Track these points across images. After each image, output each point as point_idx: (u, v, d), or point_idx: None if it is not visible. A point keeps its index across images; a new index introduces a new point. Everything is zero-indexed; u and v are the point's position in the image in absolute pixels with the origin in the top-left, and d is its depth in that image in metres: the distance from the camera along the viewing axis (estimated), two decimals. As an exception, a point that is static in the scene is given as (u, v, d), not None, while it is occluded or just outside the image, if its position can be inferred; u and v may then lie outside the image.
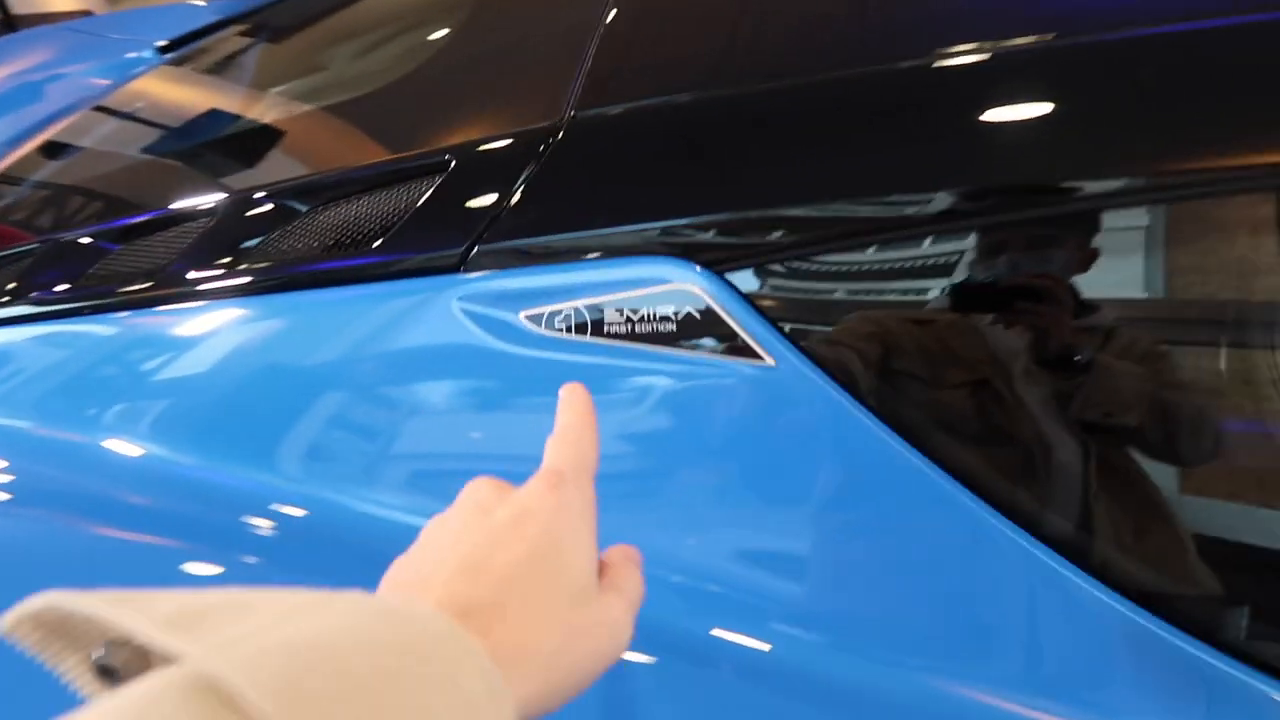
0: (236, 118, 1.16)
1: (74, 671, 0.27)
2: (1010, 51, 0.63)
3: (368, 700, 0.25)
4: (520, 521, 0.38)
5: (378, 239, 0.75)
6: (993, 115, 0.60)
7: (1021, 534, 0.59)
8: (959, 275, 0.60)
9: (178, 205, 0.91)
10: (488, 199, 0.71)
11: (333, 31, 1.42)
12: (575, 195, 0.70)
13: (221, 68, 1.45)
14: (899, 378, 0.62)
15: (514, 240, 0.68)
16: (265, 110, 1.14)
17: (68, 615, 0.27)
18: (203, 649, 0.24)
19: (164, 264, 0.83)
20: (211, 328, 0.80)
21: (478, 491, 0.42)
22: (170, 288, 0.82)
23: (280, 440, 0.76)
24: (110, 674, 0.27)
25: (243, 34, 1.58)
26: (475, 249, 0.69)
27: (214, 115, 1.21)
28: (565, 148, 0.72)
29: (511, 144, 0.75)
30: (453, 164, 0.76)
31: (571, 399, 0.49)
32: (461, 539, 0.38)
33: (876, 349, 0.62)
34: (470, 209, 0.72)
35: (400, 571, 0.39)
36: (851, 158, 0.63)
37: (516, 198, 0.70)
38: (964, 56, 0.64)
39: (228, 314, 0.80)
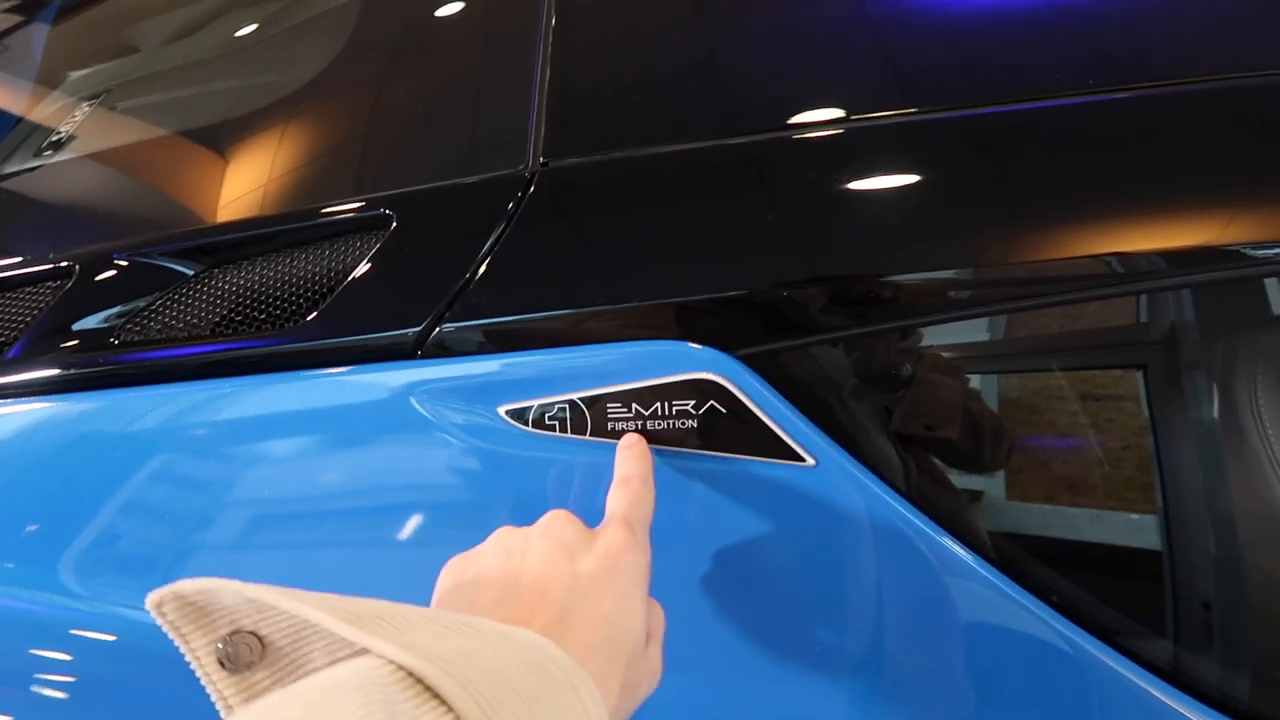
0: (65, 134, 0.94)
1: (199, 653, 0.31)
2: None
3: (529, 710, 0.29)
4: (602, 580, 0.40)
5: (295, 315, 0.60)
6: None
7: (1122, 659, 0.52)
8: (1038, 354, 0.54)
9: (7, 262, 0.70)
10: (448, 266, 0.58)
11: (192, 12, 1.14)
12: (560, 264, 0.58)
13: (21, 51, 1.19)
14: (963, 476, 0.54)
15: (487, 319, 0.56)
16: (111, 125, 0.92)
17: (212, 600, 0.31)
18: (395, 647, 0.27)
19: (-2, 343, 0.65)
20: (52, 428, 0.63)
21: (561, 529, 0.43)
22: (8, 375, 0.63)
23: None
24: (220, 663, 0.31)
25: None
26: (436, 329, 0.56)
27: (33, 128, 0.98)
28: (540, 204, 0.60)
29: (469, 198, 0.62)
30: (394, 220, 0.62)
31: (631, 450, 0.51)
32: (548, 581, 0.39)
33: (938, 442, 0.54)
34: (426, 279, 0.58)
35: (469, 576, 0.41)
36: (912, 218, 0.55)
37: (485, 266, 0.57)
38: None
39: (74, 409, 0.63)
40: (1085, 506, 0.56)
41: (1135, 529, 0.55)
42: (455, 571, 0.43)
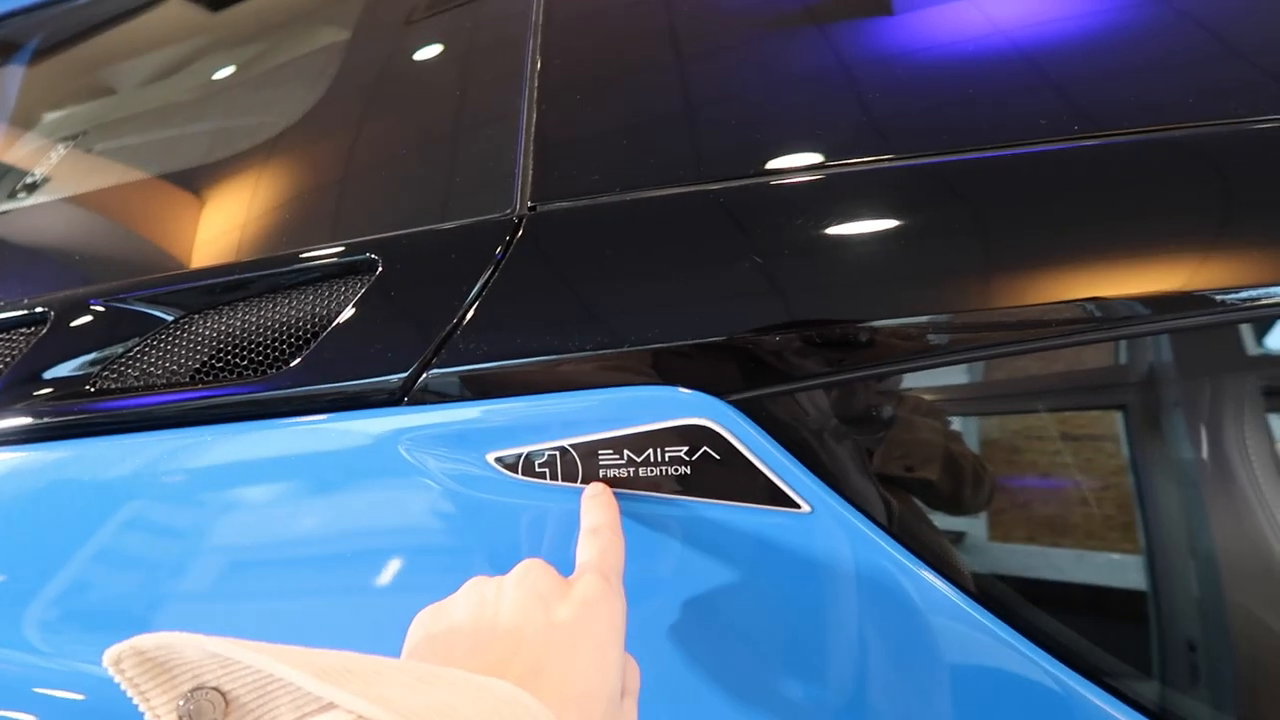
0: (40, 176, 0.92)
1: (160, 710, 0.30)
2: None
3: None
4: (578, 630, 0.39)
5: (279, 361, 0.59)
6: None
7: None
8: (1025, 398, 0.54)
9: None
10: (435, 311, 0.57)
11: (170, 54, 1.13)
12: (549, 308, 0.57)
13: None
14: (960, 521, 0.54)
15: (475, 364, 0.55)
16: (88, 167, 0.91)
17: (173, 655, 0.30)
18: (365, 701, 0.27)
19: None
20: (24, 477, 0.61)
21: (535, 578, 0.42)
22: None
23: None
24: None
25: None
26: (424, 375, 0.55)
27: (7, 170, 0.97)
28: (528, 249, 0.59)
29: (457, 242, 0.62)
30: (379, 265, 0.61)
31: (597, 499, 0.51)
32: (522, 631, 0.39)
33: (919, 484, 0.54)
34: (412, 324, 0.58)
35: (441, 627, 0.41)
36: (895, 263, 0.55)
37: (473, 310, 0.57)
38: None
39: (48, 458, 0.61)
40: (1074, 548, 0.56)
41: (1127, 570, 0.56)
42: (427, 622, 0.42)
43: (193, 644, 0.29)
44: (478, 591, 0.42)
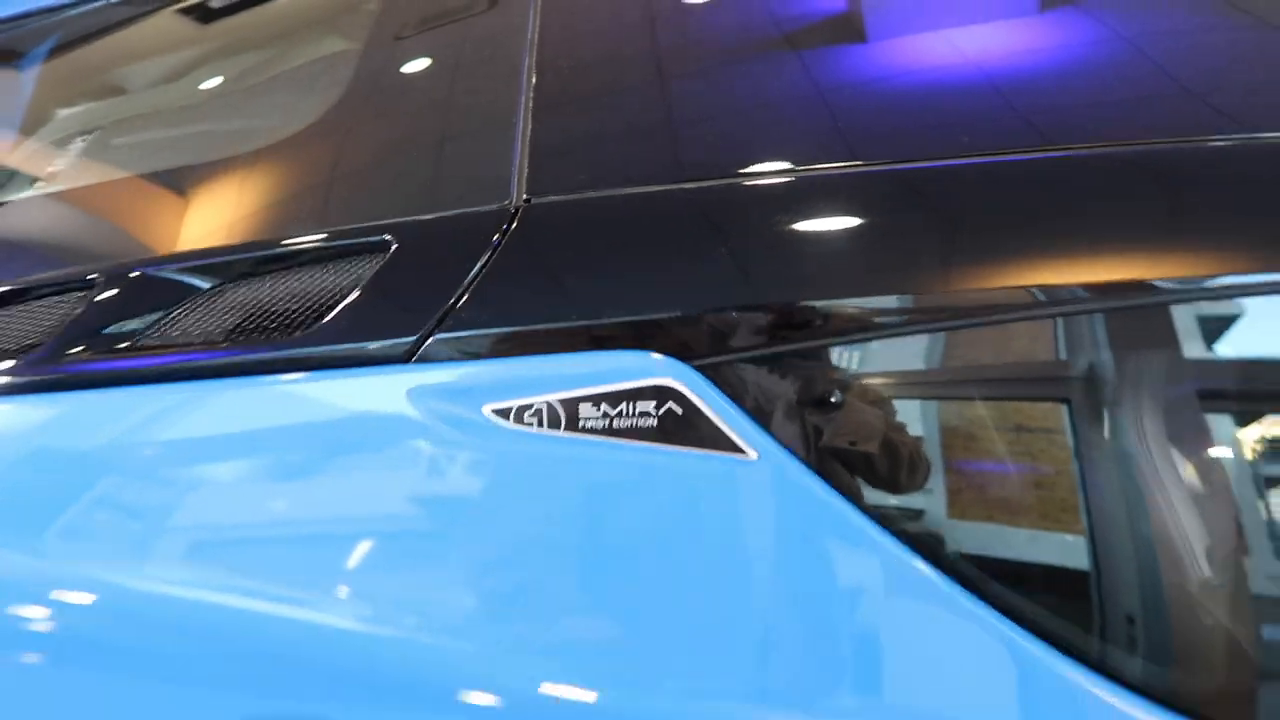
0: (93, 158, 1.02)
1: None
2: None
3: None
4: None
5: (299, 325, 0.69)
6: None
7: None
8: (955, 370, 0.63)
9: (39, 274, 0.78)
10: (439, 286, 0.67)
11: (198, 52, 1.24)
12: (540, 285, 0.67)
13: (47, 79, 1.27)
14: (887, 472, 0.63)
15: (473, 330, 0.64)
16: (135, 155, 1.01)
17: None
18: None
19: (27, 343, 0.71)
20: (78, 420, 0.70)
21: None
22: (35, 374, 0.70)
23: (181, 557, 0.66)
24: None
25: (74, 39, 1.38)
26: (428, 341, 0.65)
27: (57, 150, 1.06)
28: (522, 237, 0.69)
29: (460, 228, 0.71)
30: (392, 245, 0.70)
31: None
32: None
33: (867, 445, 0.63)
34: (419, 296, 0.67)
35: None
36: (837, 252, 0.65)
37: (472, 287, 0.66)
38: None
39: (101, 402, 0.69)
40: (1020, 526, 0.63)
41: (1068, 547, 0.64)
42: None
43: None
44: None
